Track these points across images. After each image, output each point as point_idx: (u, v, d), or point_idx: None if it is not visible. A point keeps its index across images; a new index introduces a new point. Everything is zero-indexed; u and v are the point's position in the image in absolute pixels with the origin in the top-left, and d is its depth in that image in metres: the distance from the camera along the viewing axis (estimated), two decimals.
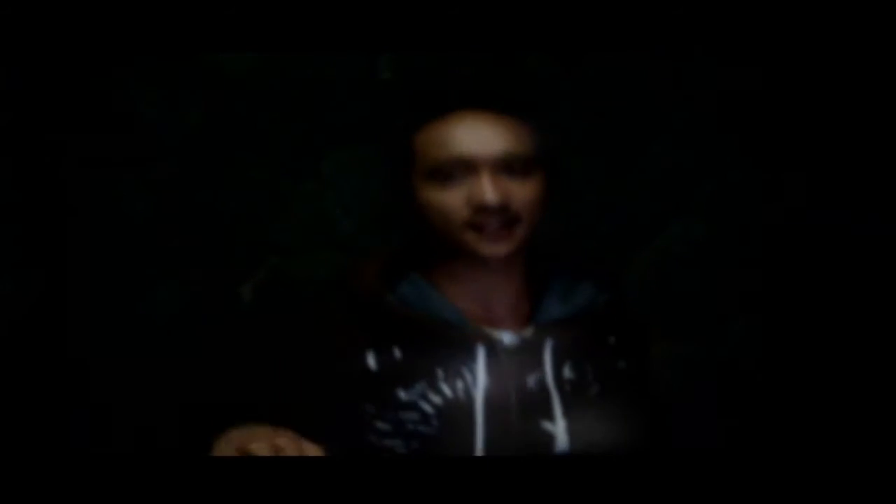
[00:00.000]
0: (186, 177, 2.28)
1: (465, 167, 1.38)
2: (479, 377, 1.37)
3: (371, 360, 1.38)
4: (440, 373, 1.37)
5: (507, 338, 1.41)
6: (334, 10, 2.13)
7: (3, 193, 2.21)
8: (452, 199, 1.38)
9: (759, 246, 2.28)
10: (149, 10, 2.10)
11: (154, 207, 2.27)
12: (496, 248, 1.38)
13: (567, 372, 1.41)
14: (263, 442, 1.19)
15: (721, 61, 2.23)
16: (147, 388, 2.18)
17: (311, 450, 1.21)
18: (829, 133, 2.25)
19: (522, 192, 1.39)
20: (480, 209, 1.36)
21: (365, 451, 1.35)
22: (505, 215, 1.37)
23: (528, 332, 1.42)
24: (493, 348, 1.39)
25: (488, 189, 1.36)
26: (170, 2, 2.10)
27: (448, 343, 1.38)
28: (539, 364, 1.40)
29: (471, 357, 1.38)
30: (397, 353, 1.38)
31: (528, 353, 1.40)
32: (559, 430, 1.37)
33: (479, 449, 1.34)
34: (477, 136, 1.38)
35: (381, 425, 1.36)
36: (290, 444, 1.19)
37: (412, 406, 1.35)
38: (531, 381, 1.39)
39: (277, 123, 2.30)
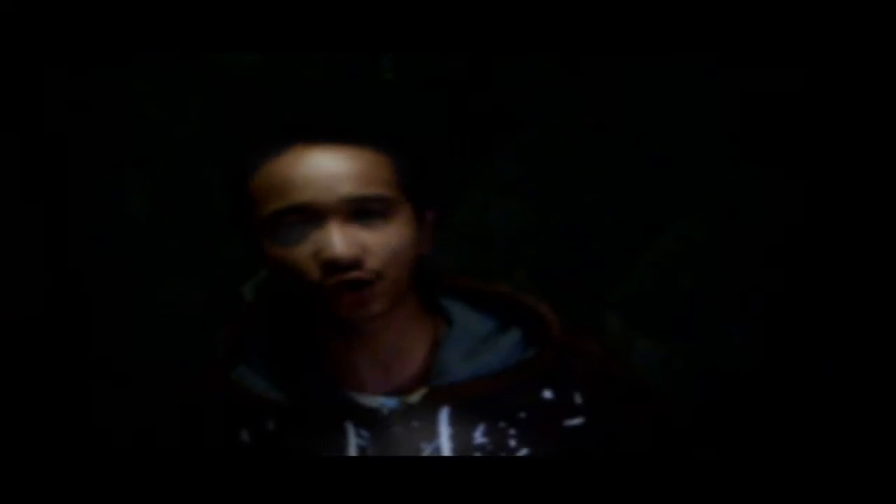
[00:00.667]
0: (188, 176, 2.29)
1: (310, 217, 1.16)
2: (354, 451, 1.19)
3: (245, 436, 1.23)
4: (320, 445, 1.21)
5: (386, 405, 1.21)
6: (336, 10, 2.13)
7: (7, 193, 2.22)
8: (298, 257, 1.16)
9: (761, 247, 2.28)
10: (151, 9, 2.10)
11: (155, 206, 2.28)
12: (360, 311, 1.17)
13: (478, 437, 1.21)
14: None
15: (723, 60, 2.22)
16: (150, 387, 2.18)
17: None
18: (834, 133, 2.24)
19: (381, 242, 1.16)
20: (330, 267, 1.14)
21: None
22: (359, 273, 1.15)
23: (417, 396, 1.22)
24: (369, 418, 1.20)
25: (337, 242, 1.14)
26: (172, 1, 2.10)
27: (312, 418, 1.21)
28: (434, 432, 1.20)
29: (343, 430, 1.20)
30: (271, 426, 1.22)
31: (417, 420, 1.20)
32: None
33: None
34: (319, 177, 1.15)
35: None
36: None
37: None
38: (426, 450, 1.20)
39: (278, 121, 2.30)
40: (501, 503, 1.19)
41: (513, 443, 1.22)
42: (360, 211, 1.16)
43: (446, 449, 1.20)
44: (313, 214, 1.15)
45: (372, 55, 2.27)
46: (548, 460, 1.22)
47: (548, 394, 1.24)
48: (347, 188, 1.15)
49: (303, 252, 1.16)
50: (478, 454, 1.20)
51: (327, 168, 1.16)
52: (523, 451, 1.22)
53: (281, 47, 2.17)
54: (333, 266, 1.14)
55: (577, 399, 1.25)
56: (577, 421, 1.24)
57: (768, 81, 2.23)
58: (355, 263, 1.15)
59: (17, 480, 2.01)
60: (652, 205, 2.30)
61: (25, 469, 2.04)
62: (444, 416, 1.21)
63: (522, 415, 1.22)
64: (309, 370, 1.24)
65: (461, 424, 1.21)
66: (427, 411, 1.21)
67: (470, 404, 1.21)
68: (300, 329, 1.25)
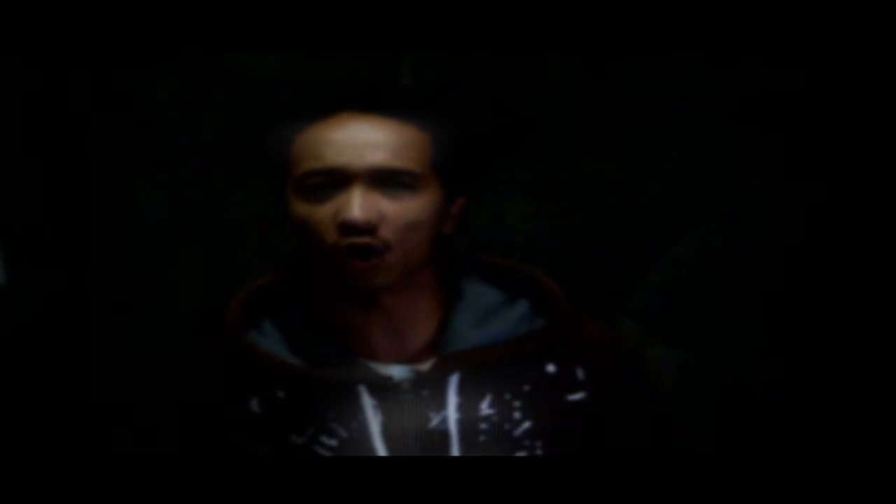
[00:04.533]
0: (206, 180, 2.29)
1: (337, 180, 1.19)
2: (369, 417, 1.22)
3: (255, 405, 1.24)
4: (331, 413, 1.23)
5: (397, 372, 1.25)
6: (356, 11, 2.13)
7: (24, 194, 2.23)
8: (319, 217, 1.20)
9: (777, 255, 2.27)
10: (170, 12, 2.11)
11: (173, 211, 2.28)
12: (369, 281, 1.20)
13: (484, 408, 1.24)
14: None
15: (742, 66, 2.22)
16: (162, 389, 2.19)
17: None
18: (855, 139, 2.23)
19: (400, 213, 1.19)
20: (344, 228, 1.17)
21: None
22: (371, 239, 1.18)
23: (427, 364, 1.25)
24: (381, 385, 1.23)
25: (355, 205, 1.17)
26: (190, 3, 2.11)
27: (325, 384, 1.23)
28: (443, 400, 1.23)
29: (356, 397, 1.22)
30: (281, 394, 1.24)
31: (427, 389, 1.23)
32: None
33: None
34: (353, 144, 1.19)
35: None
36: None
37: (307, 451, 1.22)
38: (435, 420, 1.23)
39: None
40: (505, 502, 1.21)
41: (517, 415, 1.24)
42: (386, 181, 1.19)
43: (453, 419, 1.23)
44: (341, 178, 1.19)
45: (390, 60, 2.28)
46: (549, 460, 1.24)
47: (551, 368, 1.27)
48: (377, 157, 1.19)
49: (324, 212, 1.19)
50: (483, 425, 1.23)
51: (364, 136, 1.20)
52: (527, 424, 1.24)
53: (302, 48, 2.18)
54: (348, 228, 1.17)
55: (580, 374, 1.28)
56: (578, 396, 1.27)
57: (786, 86, 2.23)
58: (369, 228, 1.18)
59: (28, 480, 2.02)
60: (668, 212, 2.30)
61: (37, 469, 2.05)
62: (452, 386, 1.24)
63: (527, 388, 1.25)
64: (322, 337, 1.26)
65: (468, 395, 1.24)
66: (437, 380, 1.24)
67: (477, 374, 1.24)
68: (314, 295, 1.28)
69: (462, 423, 1.23)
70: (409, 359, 1.26)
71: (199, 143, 2.29)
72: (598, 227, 2.26)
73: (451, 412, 1.23)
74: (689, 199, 2.30)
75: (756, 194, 2.28)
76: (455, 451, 1.22)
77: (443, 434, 1.23)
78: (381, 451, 1.22)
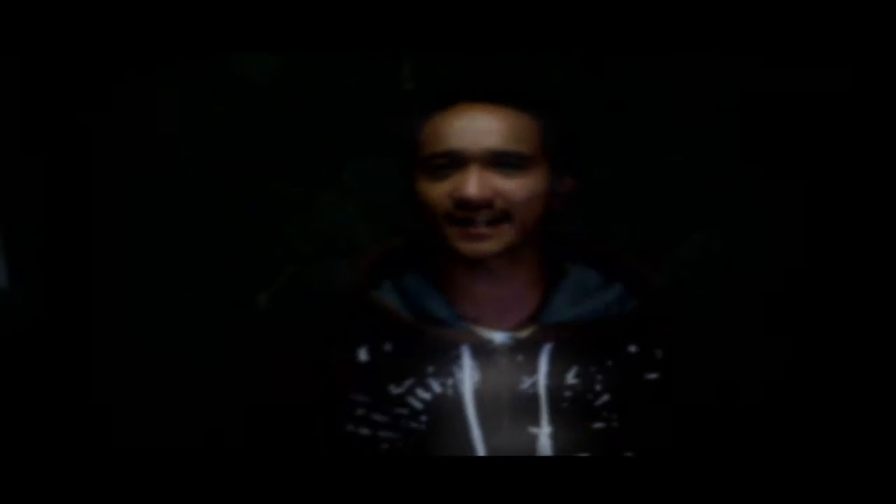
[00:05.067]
0: (207, 182, 2.30)
1: (456, 161, 1.35)
2: (466, 376, 1.36)
3: (363, 354, 1.39)
4: (430, 369, 1.37)
5: (498, 337, 1.39)
6: (358, 13, 2.14)
7: (25, 194, 2.24)
8: (438, 192, 1.36)
9: (779, 258, 2.26)
10: (171, 13, 2.12)
11: (174, 212, 2.29)
12: (477, 247, 1.35)
13: (570, 378, 1.37)
14: None
15: (744, 70, 2.22)
16: (164, 389, 2.19)
17: None
18: (854, 143, 2.23)
19: (513, 188, 1.35)
20: (461, 203, 1.34)
21: (360, 443, 1.36)
22: (489, 213, 1.34)
23: (526, 332, 1.39)
24: (482, 348, 1.37)
25: (471, 183, 1.33)
26: (191, 5, 2.12)
27: (432, 341, 1.37)
28: (535, 367, 1.37)
29: (456, 355, 1.37)
30: (388, 347, 1.39)
31: (522, 355, 1.37)
32: (542, 435, 1.34)
33: (470, 447, 1.34)
34: (471, 130, 1.36)
35: (378, 417, 1.37)
36: None
37: (401, 401, 1.36)
38: (526, 383, 1.36)
39: (299, 130, 2.31)
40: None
41: (598, 387, 1.37)
42: (499, 161, 1.35)
43: (543, 384, 1.35)
44: (459, 159, 1.35)
45: (392, 65, 2.29)
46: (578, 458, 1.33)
47: (633, 348, 1.40)
48: (492, 141, 1.35)
49: (443, 189, 1.35)
50: (567, 393, 1.36)
51: (479, 123, 1.36)
52: (606, 397, 1.36)
53: (303, 49, 2.18)
54: (465, 204, 1.33)
55: (658, 354, 1.41)
56: (654, 375, 1.40)
57: (792, 91, 2.23)
58: (486, 203, 1.33)
59: (32, 480, 2.02)
60: (669, 215, 2.30)
61: (41, 469, 2.05)
62: (545, 355, 1.37)
63: (609, 363, 1.38)
64: (434, 299, 1.40)
65: (558, 364, 1.37)
66: (532, 347, 1.37)
67: (569, 346, 1.37)
68: (428, 262, 1.42)
69: (550, 389, 1.35)
70: (510, 326, 1.39)
71: (199, 143, 2.30)
72: (598, 231, 2.26)
73: (542, 378, 1.35)
74: (690, 202, 2.30)
75: (756, 198, 2.27)
76: (543, 413, 1.34)
77: (532, 397, 1.35)
78: (471, 408, 1.34)
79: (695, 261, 2.30)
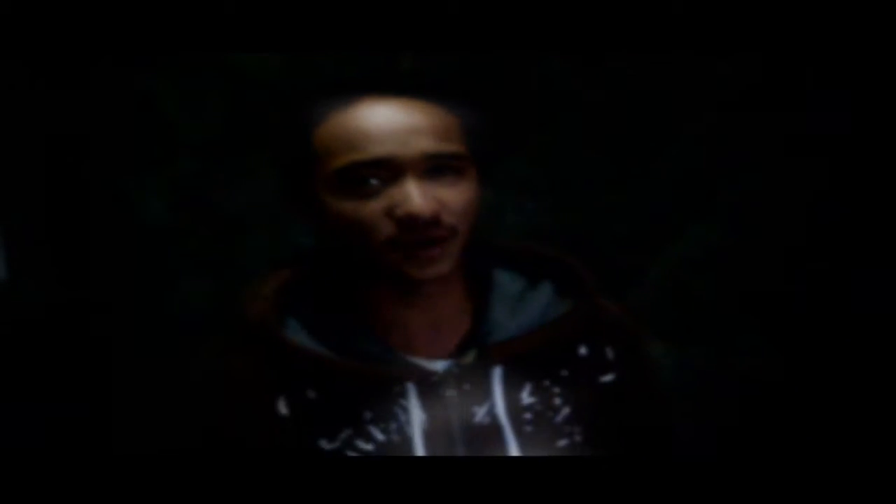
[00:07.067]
0: (207, 176, 2.30)
1: (388, 171, 1.10)
2: (414, 416, 1.15)
3: (282, 407, 1.14)
4: (368, 415, 1.14)
5: (441, 367, 1.17)
6: (354, 9, 2.13)
7: (26, 193, 2.24)
8: (368, 212, 1.10)
9: (775, 253, 2.27)
10: (170, 9, 2.12)
11: (174, 206, 2.29)
12: (430, 270, 1.11)
13: (526, 397, 1.18)
14: None
15: (742, 65, 2.22)
16: (168, 387, 2.20)
17: None
18: (851, 137, 2.24)
19: (455, 198, 1.11)
20: (407, 223, 1.09)
21: None
22: (437, 230, 1.10)
23: (469, 357, 1.17)
24: (424, 381, 1.15)
25: (416, 198, 1.08)
26: (190, 1, 2.11)
27: (368, 381, 1.14)
28: (487, 393, 1.17)
29: (398, 394, 1.15)
30: (312, 394, 1.14)
31: (470, 383, 1.16)
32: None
33: None
34: (396, 131, 1.10)
35: None
36: None
37: (337, 457, 1.14)
38: (479, 413, 1.16)
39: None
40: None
41: (557, 401, 1.19)
42: (436, 167, 1.11)
43: (502, 410, 1.16)
44: (390, 168, 1.09)
45: (391, 55, 2.28)
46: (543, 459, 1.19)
47: (583, 350, 1.22)
48: (427, 143, 1.10)
49: (375, 207, 1.10)
50: (527, 415, 1.17)
51: (404, 122, 1.10)
52: (566, 410, 1.19)
53: (301, 46, 2.18)
54: (411, 222, 1.09)
55: (610, 354, 1.24)
56: (609, 377, 1.23)
57: (790, 87, 2.23)
58: (434, 220, 1.09)
59: (35, 479, 2.03)
60: (667, 210, 2.30)
61: (46, 467, 2.06)
62: (496, 378, 1.17)
63: (564, 373, 1.20)
64: (359, 332, 1.17)
65: (510, 385, 1.17)
66: (480, 372, 1.17)
67: (518, 363, 1.18)
68: (348, 290, 1.18)
69: (510, 414, 1.17)
70: (447, 352, 1.18)
71: (198, 141, 2.30)
72: (597, 226, 2.27)
73: (499, 403, 1.17)
74: (689, 197, 2.30)
75: (754, 193, 2.28)
76: (507, 442, 1.16)
77: (490, 428, 1.16)
78: (421, 452, 1.15)
79: (692, 256, 2.31)
